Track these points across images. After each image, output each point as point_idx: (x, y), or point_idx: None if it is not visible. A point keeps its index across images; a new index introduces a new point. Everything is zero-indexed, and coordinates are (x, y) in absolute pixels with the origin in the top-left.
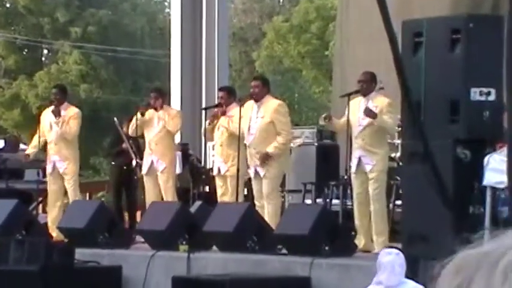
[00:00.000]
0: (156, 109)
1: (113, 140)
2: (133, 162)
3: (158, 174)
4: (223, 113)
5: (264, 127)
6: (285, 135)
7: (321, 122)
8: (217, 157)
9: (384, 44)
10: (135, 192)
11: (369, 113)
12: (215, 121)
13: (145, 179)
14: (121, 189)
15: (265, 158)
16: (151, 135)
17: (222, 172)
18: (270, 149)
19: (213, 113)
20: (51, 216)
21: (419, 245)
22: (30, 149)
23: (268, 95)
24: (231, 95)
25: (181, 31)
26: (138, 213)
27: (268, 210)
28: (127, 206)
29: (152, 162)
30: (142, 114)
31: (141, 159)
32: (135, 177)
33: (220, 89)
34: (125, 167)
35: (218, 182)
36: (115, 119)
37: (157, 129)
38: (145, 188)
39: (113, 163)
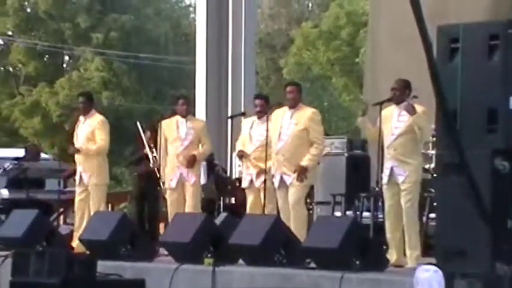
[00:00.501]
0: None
1: (134, 148)
2: (156, 170)
3: (187, 187)
4: None
5: (297, 134)
6: (318, 146)
7: (358, 119)
8: (251, 169)
9: (418, 51)
10: (158, 203)
11: (408, 108)
12: None
13: (170, 192)
14: (143, 200)
15: (302, 172)
16: (179, 148)
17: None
18: (305, 162)
19: None
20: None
21: (454, 260)
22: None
23: (301, 103)
24: (268, 103)
25: (207, 37)
26: (161, 225)
27: (293, 222)
28: (148, 217)
29: (181, 175)
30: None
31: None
32: (158, 188)
33: (257, 97)
34: (147, 177)
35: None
36: (137, 123)
37: (186, 143)
38: (169, 202)
39: (135, 173)
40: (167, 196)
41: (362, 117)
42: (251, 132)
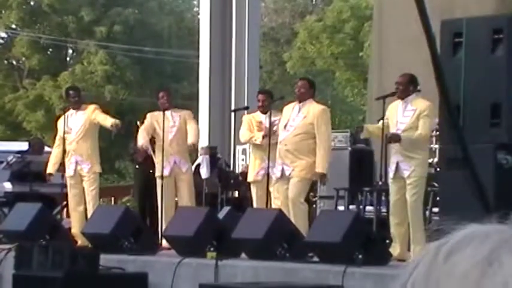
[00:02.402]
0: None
1: (135, 143)
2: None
3: (180, 175)
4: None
5: (303, 126)
6: (324, 146)
7: (362, 137)
8: (257, 162)
9: (424, 45)
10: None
11: (393, 137)
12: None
13: (164, 180)
14: (144, 193)
15: (323, 178)
16: (169, 136)
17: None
18: (320, 169)
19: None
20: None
21: None
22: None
23: (312, 98)
24: (271, 99)
25: (210, 31)
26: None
27: (292, 216)
28: (149, 212)
29: (175, 163)
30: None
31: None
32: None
33: (260, 92)
34: (150, 171)
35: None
36: (138, 123)
37: (174, 129)
38: (162, 190)
39: (137, 167)
40: (158, 185)
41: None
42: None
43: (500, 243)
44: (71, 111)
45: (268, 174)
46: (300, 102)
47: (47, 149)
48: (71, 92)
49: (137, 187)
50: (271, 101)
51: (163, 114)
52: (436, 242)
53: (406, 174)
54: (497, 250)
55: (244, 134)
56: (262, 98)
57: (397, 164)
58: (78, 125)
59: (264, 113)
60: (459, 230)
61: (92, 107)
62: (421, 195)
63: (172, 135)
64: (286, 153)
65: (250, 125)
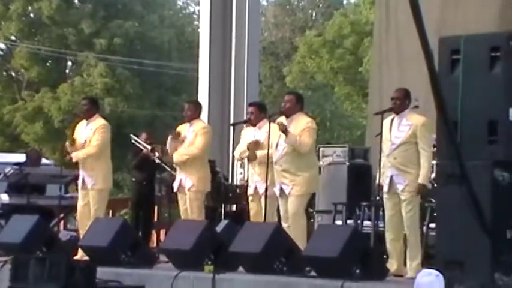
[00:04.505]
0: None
1: (133, 154)
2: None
3: (185, 192)
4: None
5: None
6: (307, 158)
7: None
8: (255, 176)
9: (423, 62)
10: (153, 209)
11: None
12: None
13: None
14: (139, 206)
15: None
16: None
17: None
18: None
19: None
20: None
21: (454, 270)
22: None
23: (301, 112)
24: (261, 110)
25: (210, 44)
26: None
27: (292, 231)
28: (142, 224)
29: (181, 180)
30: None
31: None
32: (161, 194)
33: (250, 104)
34: (144, 183)
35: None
36: (131, 135)
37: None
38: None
39: (133, 179)
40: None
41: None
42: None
43: None
44: (84, 122)
45: (266, 189)
46: (287, 117)
47: (44, 160)
48: (82, 101)
49: (133, 199)
50: (262, 113)
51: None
52: None
53: (400, 188)
54: None
55: (236, 151)
56: (252, 110)
57: (391, 178)
58: (81, 140)
59: (254, 125)
60: None
61: (100, 123)
62: (416, 211)
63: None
64: (283, 172)
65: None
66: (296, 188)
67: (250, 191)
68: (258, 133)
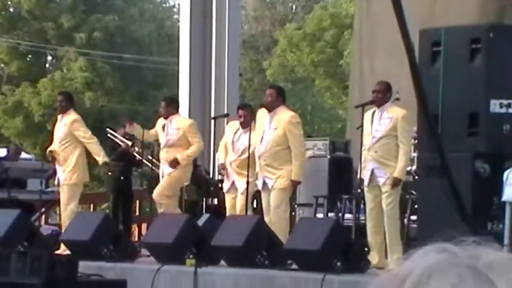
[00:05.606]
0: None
1: (110, 147)
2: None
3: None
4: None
5: (277, 139)
6: (297, 154)
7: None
8: (233, 175)
9: (404, 55)
10: (132, 203)
11: (396, 182)
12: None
13: None
14: (119, 200)
15: (295, 185)
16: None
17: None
18: (295, 176)
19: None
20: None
21: None
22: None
23: (283, 105)
24: (251, 113)
25: (190, 38)
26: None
27: (274, 225)
28: (122, 218)
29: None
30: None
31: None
32: (142, 188)
33: (240, 107)
34: (122, 177)
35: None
36: (107, 129)
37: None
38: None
39: (109, 173)
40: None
41: None
42: (234, 141)
43: (459, 281)
44: (59, 117)
45: (247, 186)
46: (269, 111)
47: (25, 155)
48: (58, 97)
49: (111, 193)
50: (252, 115)
51: (163, 125)
52: (397, 271)
53: (381, 181)
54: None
55: (220, 154)
56: (243, 113)
57: (372, 171)
58: (57, 135)
59: (245, 127)
60: (421, 256)
61: (72, 118)
62: (396, 204)
63: (166, 149)
64: (266, 167)
65: (226, 148)
66: (280, 181)
67: (225, 187)
68: (246, 134)
